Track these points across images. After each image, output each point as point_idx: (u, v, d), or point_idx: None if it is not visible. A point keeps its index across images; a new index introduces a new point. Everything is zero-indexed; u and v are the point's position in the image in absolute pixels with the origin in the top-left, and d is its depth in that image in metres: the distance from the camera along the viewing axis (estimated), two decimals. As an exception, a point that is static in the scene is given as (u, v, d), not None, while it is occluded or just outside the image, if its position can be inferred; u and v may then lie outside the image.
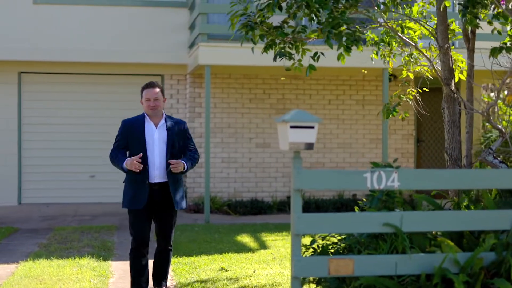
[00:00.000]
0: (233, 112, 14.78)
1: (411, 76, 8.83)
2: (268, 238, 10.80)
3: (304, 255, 5.53)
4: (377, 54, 8.68)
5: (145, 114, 6.76)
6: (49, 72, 14.83)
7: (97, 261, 8.92)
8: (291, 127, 4.74)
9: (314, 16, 6.19)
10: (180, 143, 6.71)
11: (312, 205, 14.41)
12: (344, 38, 6.15)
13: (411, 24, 7.97)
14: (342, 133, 15.18)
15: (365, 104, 15.30)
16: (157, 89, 6.73)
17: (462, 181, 5.09)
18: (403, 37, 7.56)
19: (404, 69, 8.89)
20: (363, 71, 10.15)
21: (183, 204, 6.72)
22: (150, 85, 6.74)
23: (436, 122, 15.59)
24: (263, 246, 10.05)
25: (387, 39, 8.26)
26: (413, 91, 8.20)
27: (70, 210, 14.06)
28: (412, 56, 8.63)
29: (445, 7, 7.07)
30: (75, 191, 14.84)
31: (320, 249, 5.55)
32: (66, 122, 14.84)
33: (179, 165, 6.55)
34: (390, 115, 7.54)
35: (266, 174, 14.87)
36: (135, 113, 14.76)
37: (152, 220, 6.76)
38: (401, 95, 7.59)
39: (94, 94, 14.92)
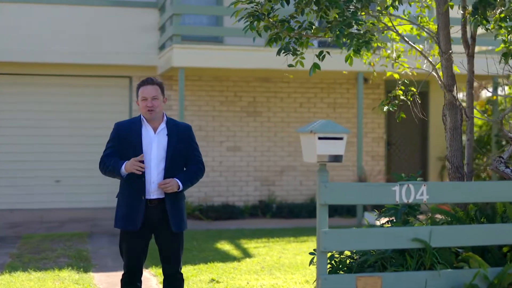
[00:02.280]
0: (204, 115, 14.48)
1: (396, 76, 8.63)
2: (249, 245, 10.54)
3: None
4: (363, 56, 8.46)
5: (142, 117, 5.74)
6: (12, 73, 14.24)
7: (78, 273, 8.53)
8: (319, 138, 4.50)
9: (324, 14, 5.91)
10: (183, 152, 5.73)
11: (284, 210, 14.20)
12: (351, 40, 5.91)
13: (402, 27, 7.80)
14: (314, 136, 14.99)
15: (337, 107, 15.16)
16: (156, 87, 5.71)
17: (491, 194, 4.93)
18: (410, 42, 7.37)
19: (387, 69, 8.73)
20: (344, 72, 9.96)
21: (184, 225, 5.74)
22: (148, 82, 5.72)
23: (406, 125, 15.52)
24: (247, 254, 9.79)
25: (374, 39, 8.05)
26: (400, 92, 7.91)
27: (35, 216, 13.56)
28: (400, 58, 8.47)
29: (448, 12, 6.90)
30: (40, 196, 14.31)
31: (338, 264, 5.31)
32: (30, 125, 14.31)
33: (170, 185, 5.58)
34: (386, 111, 7.25)
35: (237, 178, 14.60)
36: (104, 116, 14.55)
37: (155, 241, 5.87)
38: (399, 94, 7.34)
39: (60, 96, 14.42)
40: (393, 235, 4.74)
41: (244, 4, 6.25)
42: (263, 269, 8.68)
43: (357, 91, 13.46)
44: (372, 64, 8.51)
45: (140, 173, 5.59)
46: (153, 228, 5.76)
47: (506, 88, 13.94)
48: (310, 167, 14.96)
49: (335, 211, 14.40)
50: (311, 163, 14.86)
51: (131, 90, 14.58)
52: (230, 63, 13.03)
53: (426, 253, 4.84)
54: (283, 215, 14.14)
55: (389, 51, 8.60)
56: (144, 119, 5.78)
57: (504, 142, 14.15)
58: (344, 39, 5.87)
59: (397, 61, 8.26)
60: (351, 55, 6.31)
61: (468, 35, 7.30)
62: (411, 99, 7.28)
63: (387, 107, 6.91)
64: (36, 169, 14.30)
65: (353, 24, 5.78)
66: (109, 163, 5.73)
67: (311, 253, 5.33)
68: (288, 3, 6.14)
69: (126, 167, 5.61)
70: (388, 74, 8.49)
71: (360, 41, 5.88)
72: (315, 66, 6.07)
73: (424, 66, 8.35)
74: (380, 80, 15.24)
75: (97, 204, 14.41)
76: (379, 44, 8.17)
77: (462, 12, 7.17)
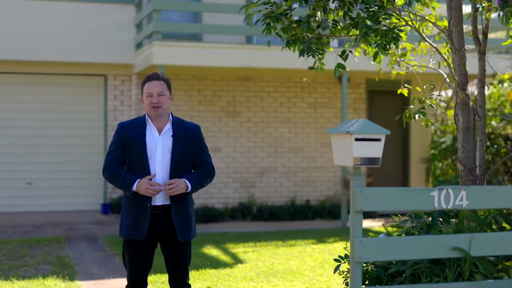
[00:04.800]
0: (182, 115, 13.98)
1: (402, 73, 8.32)
2: (237, 250, 10.15)
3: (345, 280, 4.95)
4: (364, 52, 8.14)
5: (146, 116, 5.35)
6: (-18, 71, 13.70)
7: (63, 281, 8.05)
8: (356, 139, 4.14)
9: (347, 10, 5.55)
10: (190, 154, 5.32)
11: (265, 212, 13.85)
12: (380, 36, 5.53)
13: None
14: (294, 137, 14.68)
15: (317, 107, 14.84)
16: (162, 82, 5.32)
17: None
18: (425, 37, 7.05)
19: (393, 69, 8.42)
20: (347, 69, 9.55)
21: (192, 234, 5.36)
22: (153, 77, 5.33)
23: (387, 125, 15.25)
24: (237, 259, 9.40)
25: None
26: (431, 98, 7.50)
27: (7, 220, 12.98)
28: (405, 57, 8.18)
29: (461, 7, 6.60)
30: (10, 199, 13.75)
31: (364, 273, 4.96)
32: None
33: (176, 185, 5.16)
34: (412, 119, 6.87)
35: (217, 180, 14.18)
36: (77, 116, 14.01)
37: (160, 251, 5.50)
38: (424, 99, 6.98)
39: (31, 95, 13.86)
40: (432, 244, 4.40)
41: (258, 6, 5.87)
42: (259, 276, 8.31)
43: (342, 90, 13.17)
44: (378, 65, 8.19)
45: (154, 196, 5.23)
46: (158, 237, 5.37)
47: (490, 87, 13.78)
48: (290, 168, 14.63)
49: (316, 213, 14.11)
50: (293, 166, 14.57)
51: (106, 88, 14.12)
52: (212, 61, 12.64)
53: (464, 262, 4.52)
54: (264, 218, 13.79)
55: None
56: (148, 118, 5.38)
57: (488, 143, 13.96)
58: (372, 36, 5.50)
59: (403, 59, 7.95)
60: (380, 52, 5.93)
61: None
62: (434, 102, 6.92)
63: (418, 115, 6.55)
64: (6, 170, 13.73)
65: (381, 19, 5.43)
66: (118, 176, 5.31)
67: (335, 260, 4.98)
68: (307, 2, 5.74)
69: (138, 187, 5.20)
70: (394, 73, 8.19)
71: (388, 37, 5.52)
72: (339, 66, 5.71)
73: (430, 64, 8.06)
74: (361, 79, 14.99)
75: (71, 207, 13.94)
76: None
77: (472, 7, 6.91)
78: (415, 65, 7.93)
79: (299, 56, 5.84)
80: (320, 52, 5.92)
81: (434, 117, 16.04)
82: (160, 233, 5.33)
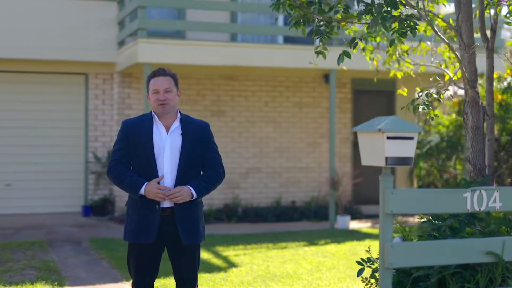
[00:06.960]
0: (165, 114, 13.69)
1: (399, 75, 8.14)
2: (228, 253, 9.87)
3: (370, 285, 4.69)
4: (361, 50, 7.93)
5: (153, 114, 5.08)
6: (-41, 69, 13.25)
7: (52, 287, 7.71)
8: (388, 138, 3.90)
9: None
10: (200, 154, 5.06)
11: (251, 213, 13.59)
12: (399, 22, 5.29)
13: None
14: (279, 137, 14.42)
15: (302, 107, 14.61)
16: (169, 78, 5.08)
17: None
18: (439, 32, 6.83)
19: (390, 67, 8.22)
20: (344, 68, 9.34)
21: (199, 237, 5.06)
22: (159, 73, 5.09)
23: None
24: (230, 263, 9.11)
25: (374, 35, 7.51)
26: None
27: (-14, 223, 12.58)
28: (406, 55, 7.97)
29: (470, 1, 6.40)
30: (-12, 201, 13.33)
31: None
32: (-23, 124, 13.32)
33: (180, 195, 4.92)
34: (417, 110, 6.65)
35: (201, 181, 13.87)
36: (58, 116, 13.62)
37: (168, 256, 5.18)
38: (432, 93, 6.77)
39: (10, 93, 13.44)
40: (465, 248, 4.18)
41: None
42: (256, 280, 8.03)
43: (330, 89, 12.95)
44: (375, 61, 7.99)
45: (164, 200, 4.95)
46: (166, 241, 5.07)
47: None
48: (275, 169, 14.37)
49: (302, 214, 13.88)
50: (278, 166, 14.31)
51: (87, 87, 13.76)
52: (198, 59, 12.34)
53: (496, 267, 4.29)
54: (249, 219, 13.52)
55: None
56: (155, 116, 5.10)
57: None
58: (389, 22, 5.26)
59: (403, 58, 7.75)
60: (396, 40, 5.69)
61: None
62: (442, 97, 6.74)
63: (422, 106, 6.35)
64: (-17, 172, 13.32)
65: (399, 5, 5.21)
66: (124, 178, 5.02)
67: (358, 262, 4.71)
68: None
69: (147, 191, 4.92)
70: (392, 72, 8.00)
71: (405, 25, 5.28)
72: (345, 54, 5.47)
73: (431, 63, 7.87)
74: (347, 78, 14.80)
75: (51, 209, 13.56)
76: (382, 41, 7.68)
77: (480, 3, 6.72)
78: (417, 64, 7.73)
79: (306, 36, 5.57)
80: (329, 35, 5.65)
81: (418, 117, 15.90)
82: (168, 237, 5.05)
